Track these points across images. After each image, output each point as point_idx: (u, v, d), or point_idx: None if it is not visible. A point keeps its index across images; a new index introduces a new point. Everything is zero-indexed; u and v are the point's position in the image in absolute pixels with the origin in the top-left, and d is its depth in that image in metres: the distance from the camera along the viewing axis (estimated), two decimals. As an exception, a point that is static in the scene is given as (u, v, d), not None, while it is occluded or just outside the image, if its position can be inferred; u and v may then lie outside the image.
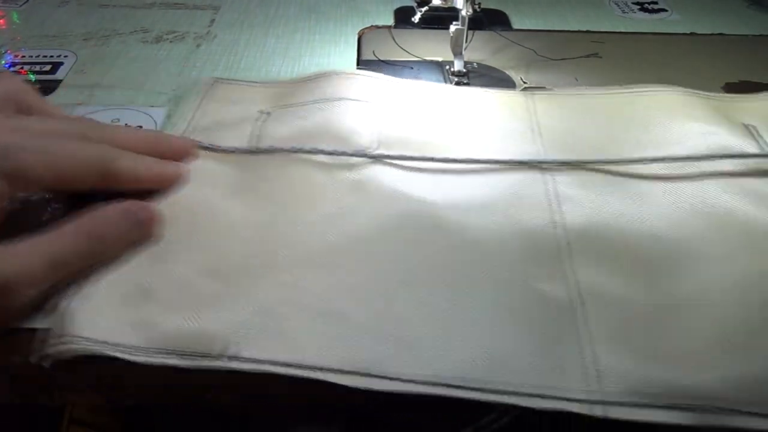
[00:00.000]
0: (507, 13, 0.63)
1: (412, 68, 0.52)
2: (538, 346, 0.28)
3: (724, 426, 0.25)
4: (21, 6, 0.62)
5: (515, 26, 0.61)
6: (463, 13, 0.48)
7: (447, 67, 0.52)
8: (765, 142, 0.41)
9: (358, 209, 0.35)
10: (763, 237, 0.34)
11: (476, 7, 0.49)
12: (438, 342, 0.28)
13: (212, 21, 0.61)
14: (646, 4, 0.67)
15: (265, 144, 0.40)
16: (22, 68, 0.51)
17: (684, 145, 0.40)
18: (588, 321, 0.29)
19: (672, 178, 0.38)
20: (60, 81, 0.50)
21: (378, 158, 0.39)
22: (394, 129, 0.41)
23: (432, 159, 0.39)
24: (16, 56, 0.53)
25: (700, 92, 0.46)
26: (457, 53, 0.50)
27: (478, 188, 0.37)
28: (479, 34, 0.56)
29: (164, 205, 0.34)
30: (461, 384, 0.26)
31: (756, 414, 0.25)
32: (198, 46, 0.56)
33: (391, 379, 0.26)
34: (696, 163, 0.38)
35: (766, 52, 0.57)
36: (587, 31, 0.60)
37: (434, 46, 0.55)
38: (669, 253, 0.33)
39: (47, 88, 0.48)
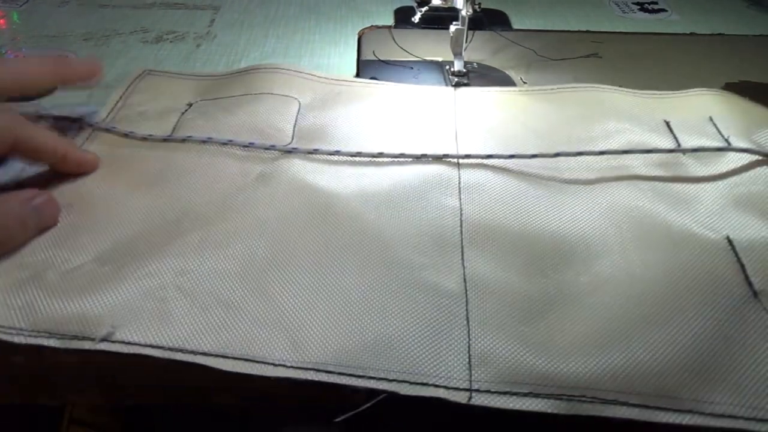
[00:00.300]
0: (507, 13, 0.63)
1: (412, 68, 0.52)
2: (420, 333, 0.29)
3: (594, 416, 0.26)
4: (21, 6, 0.62)
5: (515, 26, 0.61)
6: (463, 13, 0.48)
7: (447, 67, 0.52)
8: (679, 138, 0.41)
9: (261, 200, 0.36)
10: (655, 232, 0.34)
11: (476, 7, 0.49)
12: (321, 328, 0.29)
13: (212, 21, 0.61)
14: (646, 4, 0.67)
15: (183, 134, 0.41)
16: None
17: (598, 142, 0.40)
18: (471, 311, 0.30)
19: (579, 174, 0.38)
20: (60, 81, 0.50)
21: (290, 152, 0.40)
22: (312, 124, 0.42)
23: (338, 152, 0.39)
24: (16, 56, 0.53)
25: (624, 89, 0.47)
26: (457, 53, 0.50)
27: (384, 180, 0.38)
28: (479, 34, 0.56)
29: (66, 193, 0.36)
30: (342, 371, 0.27)
31: (628, 404, 0.26)
32: (198, 46, 0.56)
33: (274, 365, 0.27)
34: (605, 160, 0.39)
35: (766, 52, 0.57)
36: (587, 31, 0.60)
37: (434, 46, 0.55)
38: (565, 247, 0.33)
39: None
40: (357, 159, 0.39)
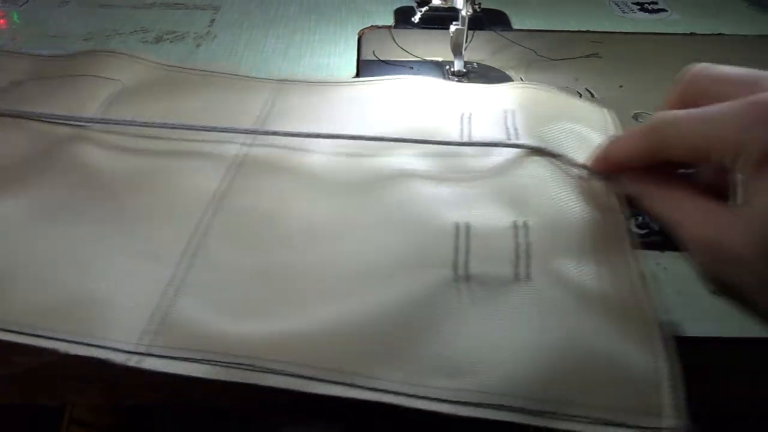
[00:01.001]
0: (507, 13, 0.63)
1: (411, 68, 0.52)
2: (115, 297, 0.29)
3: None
4: (21, 6, 0.62)
5: (515, 26, 0.61)
6: (463, 13, 0.48)
7: (447, 67, 0.52)
8: (472, 129, 0.41)
9: (42, 170, 0.37)
10: (394, 216, 0.34)
11: (476, 7, 0.49)
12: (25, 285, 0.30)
13: (212, 21, 0.61)
14: (646, 4, 0.67)
15: None
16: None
17: (383, 127, 0.41)
18: (184, 279, 0.31)
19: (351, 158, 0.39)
20: (60, 81, 0.50)
21: (86, 126, 0.41)
22: (124, 105, 0.44)
23: (133, 123, 0.41)
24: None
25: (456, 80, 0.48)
26: (457, 53, 0.50)
27: (163, 152, 0.40)
28: (479, 34, 0.56)
29: None
30: (18, 329, 0.28)
31: (287, 373, 0.26)
32: (198, 46, 0.56)
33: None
34: (380, 146, 0.40)
35: (766, 52, 0.57)
36: (587, 31, 0.60)
37: (434, 46, 0.55)
38: (303, 228, 0.34)
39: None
40: (145, 132, 0.41)
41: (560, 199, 0.35)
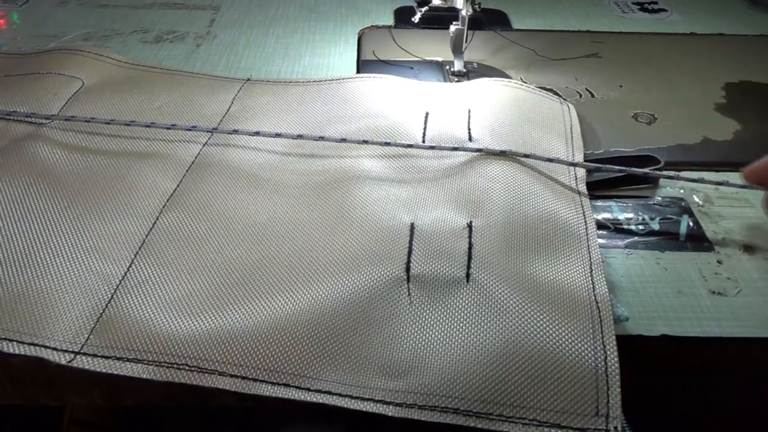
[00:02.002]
0: (507, 13, 0.63)
1: (411, 68, 0.52)
2: (60, 296, 0.30)
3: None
4: (21, 6, 0.62)
5: (515, 26, 0.61)
6: (463, 13, 0.48)
7: (447, 67, 0.52)
8: (430, 128, 0.41)
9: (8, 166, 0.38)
10: (350, 216, 0.34)
11: (476, 7, 0.49)
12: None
13: (212, 21, 0.61)
14: (646, 4, 0.67)
15: None
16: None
17: (348, 125, 0.42)
18: (128, 278, 0.31)
19: (314, 159, 0.40)
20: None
21: (44, 124, 0.42)
22: (86, 102, 0.44)
23: (94, 120, 0.41)
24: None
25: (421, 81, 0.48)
26: (457, 53, 0.50)
27: (127, 150, 0.40)
28: (479, 34, 0.56)
29: None
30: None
31: (226, 374, 0.27)
32: (198, 46, 0.56)
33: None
34: (344, 146, 0.40)
35: (766, 52, 0.57)
36: (587, 31, 0.60)
37: (434, 46, 0.55)
38: (254, 226, 0.34)
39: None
40: (105, 130, 0.42)
41: (513, 199, 0.35)
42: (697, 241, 0.36)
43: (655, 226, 0.37)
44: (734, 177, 0.40)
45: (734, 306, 0.32)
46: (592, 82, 0.51)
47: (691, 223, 0.37)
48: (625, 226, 0.37)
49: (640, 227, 0.37)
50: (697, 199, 0.39)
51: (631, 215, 0.37)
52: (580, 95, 0.49)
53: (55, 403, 0.31)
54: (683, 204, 0.38)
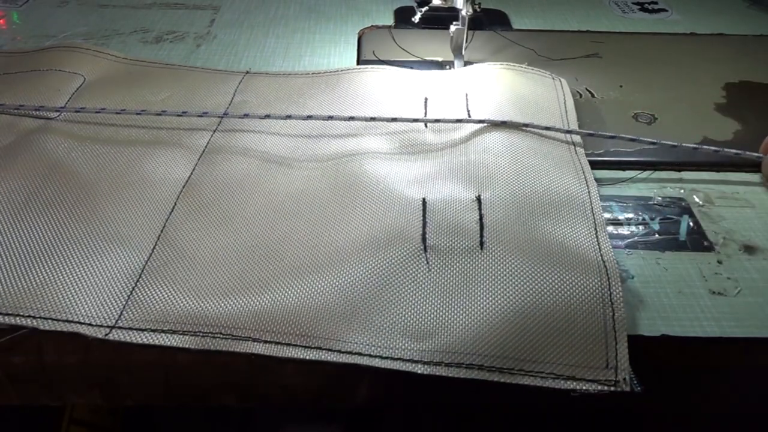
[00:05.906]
0: (507, 13, 0.63)
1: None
2: (89, 279, 0.31)
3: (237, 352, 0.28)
4: (21, 6, 0.62)
5: (515, 26, 0.61)
6: (463, 13, 0.48)
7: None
8: (429, 111, 0.43)
9: (12, 162, 0.38)
10: (363, 192, 0.36)
11: (476, 7, 0.49)
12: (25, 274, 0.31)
13: (212, 21, 0.61)
14: (646, 4, 0.67)
15: None
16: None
17: (355, 110, 0.43)
18: (151, 262, 0.32)
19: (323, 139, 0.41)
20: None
21: (53, 118, 0.42)
22: (90, 97, 0.45)
23: (104, 110, 0.42)
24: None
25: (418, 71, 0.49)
26: (457, 53, 0.50)
27: (140, 139, 0.41)
28: (479, 34, 0.56)
29: None
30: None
31: (259, 340, 0.28)
32: (198, 46, 0.56)
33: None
34: (354, 126, 0.42)
35: (766, 52, 0.57)
36: (587, 31, 0.60)
37: (434, 46, 0.55)
38: (272, 206, 0.36)
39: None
40: (113, 121, 0.42)
41: (518, 171, 0.37)
42: (697, 241, 0.36)
43: (655, 226, 0.37)
44: (734, 177, 0.40)
45: (734, 306, 0.32)
46: (592, 82, 0.51)
47: (691, 223, 0.37)
48: (626, 226, 0.37)
49: (641, 227, 0.37)
50: (697, 199, 0.39)
51: (631, 215, 0.37)
52: (581, 95, 0.49)
53: (55, 403, 0.31)
54: (683, 204, 0.38)
